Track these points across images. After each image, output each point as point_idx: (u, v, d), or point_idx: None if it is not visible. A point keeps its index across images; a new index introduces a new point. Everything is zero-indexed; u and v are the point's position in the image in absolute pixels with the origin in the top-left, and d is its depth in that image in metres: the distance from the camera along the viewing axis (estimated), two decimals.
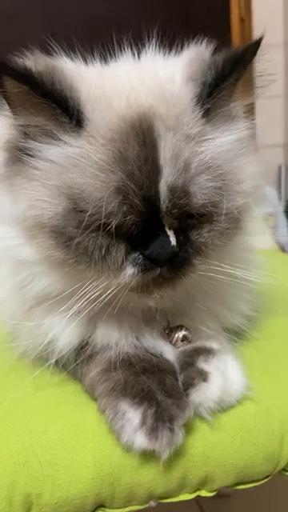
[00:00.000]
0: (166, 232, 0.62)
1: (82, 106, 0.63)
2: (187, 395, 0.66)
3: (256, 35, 2.36)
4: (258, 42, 0.66)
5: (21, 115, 0.63)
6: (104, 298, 0.64)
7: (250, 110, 0.74)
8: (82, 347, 0.72)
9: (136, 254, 0.62)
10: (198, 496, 0.68)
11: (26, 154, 0.65)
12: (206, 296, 0.76)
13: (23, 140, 0.65)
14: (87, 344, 0.72)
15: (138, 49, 0.75)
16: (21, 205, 0.64)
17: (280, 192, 3.10)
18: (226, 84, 0.64)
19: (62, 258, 0.63)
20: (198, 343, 0.73)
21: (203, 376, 0.67)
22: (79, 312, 0.67)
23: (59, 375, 0.74)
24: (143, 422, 0.62)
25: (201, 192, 0.61)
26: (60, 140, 0.63)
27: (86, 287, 0.63)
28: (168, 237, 0.62)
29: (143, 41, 0.75)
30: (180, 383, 0.68)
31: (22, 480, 0.63)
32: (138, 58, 0.73)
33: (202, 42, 0.72)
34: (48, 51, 0.73)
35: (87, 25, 2.25)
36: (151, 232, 0.62)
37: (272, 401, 0.71)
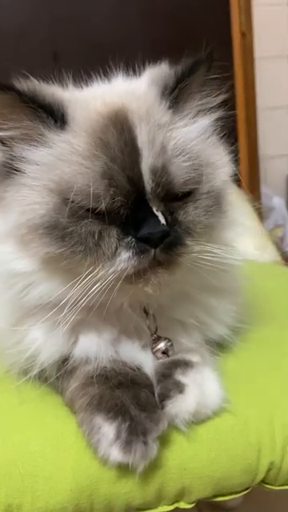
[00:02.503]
0: (154, 213, 0.65)
1: (65, 107, 0.69)
2: (163, 407, 0.68)
3: (257, 49, 2.37)
4: (210, 53, 0.73)
5: (5, 126, 0.68)
6: (100, 291, 0.65)
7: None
8: (63, 361, 0.74)
9: (129, 238, 0.65)
10: (177, 508, 0.70)
11: (13, 165, 0.69)
12: (193, 305, 0.78)
13: (8, 152, 0.69)
14: (68, 358, 0.74)
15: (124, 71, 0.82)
16: (13, 215, 0.68)
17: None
18: (185, 83, 0.71)
19: (58, 252, 0.65)
20: (178, 356, 0.75)
21: (180, 388, 0.69)
22: (69, 320, 0.68)
23: (43, 389, 0.76)
24: (117, 436, 0.64)
25: (180, 171, 0.67)
26: (46, 141, 0.68)
27: (83, 279, 0.65)
28: (157, 217, 0.65)
29: (143, 59, 0.81)
30: (156, 395, 0.69)
31: (3, 491, 0.65)
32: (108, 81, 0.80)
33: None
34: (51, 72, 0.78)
35: (89, 47, 2.31)
36: (140, 216, 0.65)
37: (250, 413, 0.72)
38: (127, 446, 0.63)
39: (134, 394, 0.69)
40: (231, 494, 0.71)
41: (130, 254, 0.65)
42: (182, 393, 0.69)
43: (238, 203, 0.84)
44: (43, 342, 0.73)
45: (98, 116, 0.69)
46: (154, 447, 0.64)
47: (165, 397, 0.69)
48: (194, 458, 0.68)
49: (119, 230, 0.66)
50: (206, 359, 0.76)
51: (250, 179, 2.72)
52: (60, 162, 0.67)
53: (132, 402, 0.68)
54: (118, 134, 0.66)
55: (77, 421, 0.69)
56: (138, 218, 0.65)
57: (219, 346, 0.84)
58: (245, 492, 0.71)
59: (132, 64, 0.82)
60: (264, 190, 2.99)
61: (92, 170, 0.64)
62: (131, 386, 0.70)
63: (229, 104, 0.80)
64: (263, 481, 0.72)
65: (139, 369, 0.74)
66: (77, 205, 0.64)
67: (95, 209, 0.64)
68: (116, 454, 0.63)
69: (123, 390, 0.69)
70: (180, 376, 0.71)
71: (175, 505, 0.69)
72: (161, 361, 0.74)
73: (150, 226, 0.64)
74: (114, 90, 0.77)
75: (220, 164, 0.74)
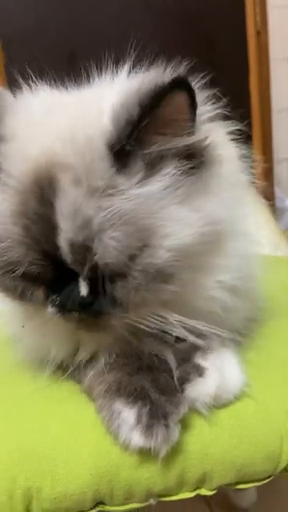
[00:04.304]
0: (75, 280, 0.60)
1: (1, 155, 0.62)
2: (183, 390, 0.66)
3: (272, 48, 2.38)
4: (186, 75, 0.59)
5: None
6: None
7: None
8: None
9: (54, 296, 0.62)
10: (198, 495, 0.68)
11: None
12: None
13: None
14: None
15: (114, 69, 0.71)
16: None
17: None
18: (139, 128, 0.57)
19: None
20: None
21: (199, 371, 0.68)
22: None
23: (60, 376, 0.75)
24: (138, 421, 0.63)
25: (105, 250, 0.57)
26: None
27: None
28: (77, 285, 0.60)
29: (158, 58, 0.72)
30: (175, 379, 0.68)
31: (23, 474, 0.64)
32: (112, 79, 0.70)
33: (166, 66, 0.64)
34: (69, 66, 0.75)
35: (107, 41, 2.33)
36: (61, 281, 0.61)
37: (272, 400, 0.71)
38: (148, 430, 0.62)
39: (153, 379, 0.68)
40: (253, 481, 0.69)
41: (54, 310, 0.63)
42: (201, 376, 0.68)
43: (253, 203, 0.81)
44: (55, 336, 0.72)
45: (28, 170, 0.60)
46: (175, 430, 0.63)
47: (184, 380, 0.68)
48: (216, 443, 0.66)
49: (44, 287, 0.63)
50: (225, 344, 0.75)
51: (264, 181, 2.70)
52: None
53: (151, 386, 0.67)
54: (36, 204, 0.59)
55: (95, 407, 0.68)
56: (59, 282, 0.61)
57: (238, 334, 0.82)
58: (267, 480, 0.70)
59: (144, 60, 0.73)
60: (277, 192, 2.98)
61: (12, 234, 0.60)
62: (150, 371, 0.69)
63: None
64: (286, 469, 0.70)
65: (158, 354, 0.73)
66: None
67: (14, 270, 0.61)
68: (137, 438, 0.62)
69: (142, 375, 0.68)
70: (200, 359, 0.70)
71: (196, 491, 0.68)
72: (179, 345, 0.73)
73: (67, 292, 0.60)
74: (69, 118, 0.63)
75: (174, 230, 0.59)
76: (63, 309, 0.61)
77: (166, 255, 0.59)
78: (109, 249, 0.56)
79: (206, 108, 0.67)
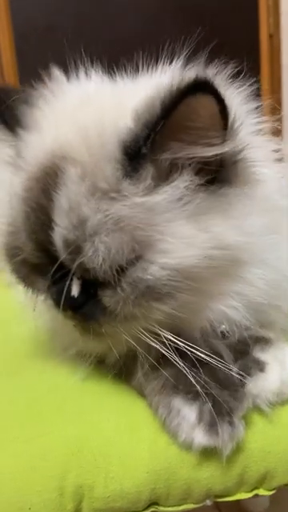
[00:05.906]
0: (68, 279, 0.56)
1: (23, 139, 0.63)
2: (243, 386, 0.63)
3: (285, 52, 2.37)
4: (206, 78, 0.51)
5: None
6: None
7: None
8: None
9: (50, 289, 0.59)
10: (256, 495, 0.65)
11: None
12: None
13: None
14: None
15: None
16: None
17: None
18: (156, 131, 0.52)
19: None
20: (253, 331, 0.69)
21: (260, 366, 0.64)
22: None
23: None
24: (200, 418, 0.59)
25: (94, 254, 0.53)
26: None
27: None
28: (70, 284, 0.56)
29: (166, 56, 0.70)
30: (235, 373, 0.65)
31: (74, 470, 0.60)
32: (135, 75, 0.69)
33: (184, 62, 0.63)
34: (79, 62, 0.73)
35: (116, 39, 2.32)
36: (57, 276, 0.57)
37: None
38: (212, 427, 0.58)
39: (211, 373, 0.64)
40: None
41: (52, 303, 0.60)
42: (262, 371, 0.64)
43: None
44: (64, 332, 0.69)
45: (40, 157, 0.59)
46: (240, 427, 0.59)
47: (245, 375, 0.64)
48: (279, 441, 0.63)
49: (43, 277, 0.60)
50: (279, 336, 0.71)
51: None
52: (6, 193, 0.62)
53: (211, 380, 0.63)
54: (37, 193, 0.57)
55: (149, 404, 0.64)
56: (56, 275, 0.57)
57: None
58: None
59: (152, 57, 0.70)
60: None
61: (18, 220, 0.59)
62: (206, 365, 0.65)
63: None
64: None
65: (212, 347, 0.69)
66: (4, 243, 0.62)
67: (16, 254, 0.60)
68: (200, 437, 0.58)
69: (199, 370, 0.64)
70: (259, 353, 0.66)
71: (254, 492, 0.64)
72: (235, 338, 0.69)
73: (59, 288, 0.57)
74: (96, 112, 0.60)
75: (175, 247, 0.55)
76: (58, 304, 0.57)
77: (160, 273, 0.54)
78: (97, 253, 0.53)
79: (249, 120, 0.64)
